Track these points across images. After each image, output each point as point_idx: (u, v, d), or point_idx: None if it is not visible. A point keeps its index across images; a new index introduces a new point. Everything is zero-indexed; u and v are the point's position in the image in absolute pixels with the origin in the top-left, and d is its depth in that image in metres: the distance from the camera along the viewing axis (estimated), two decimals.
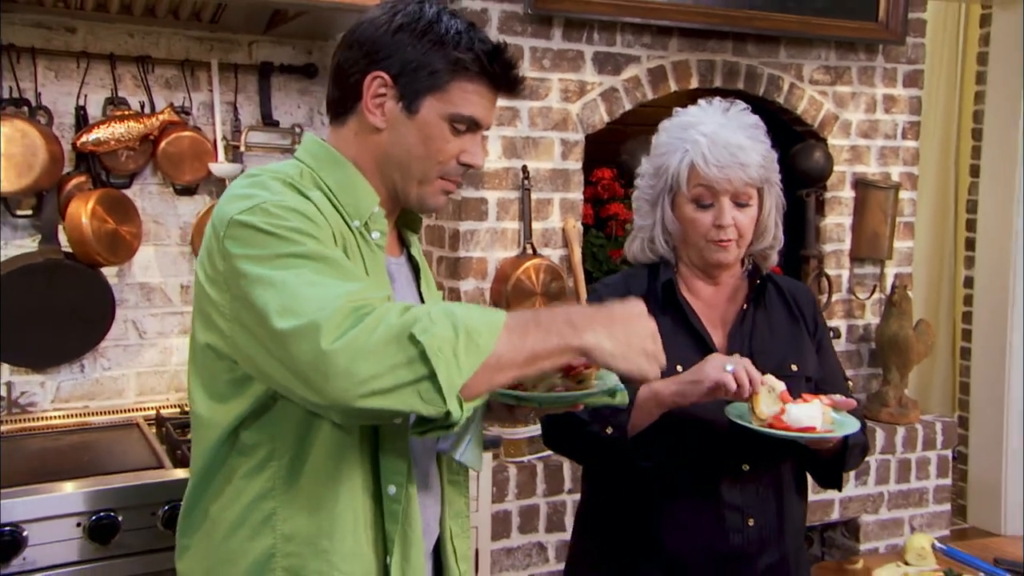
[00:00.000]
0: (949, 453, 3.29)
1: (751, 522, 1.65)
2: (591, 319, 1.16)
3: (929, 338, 3.18)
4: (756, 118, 1.72)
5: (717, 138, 1.65)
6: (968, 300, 4.44)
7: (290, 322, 1.05)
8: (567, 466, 2.66)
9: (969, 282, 4.42)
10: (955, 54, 4.75)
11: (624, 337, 1.16)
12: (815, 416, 1.48)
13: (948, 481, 3.30)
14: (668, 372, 1.48)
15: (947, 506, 3.32)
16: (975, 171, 4.39)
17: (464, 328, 1.06)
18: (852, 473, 3.08)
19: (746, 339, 1.70)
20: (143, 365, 2.77)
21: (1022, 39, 4.10)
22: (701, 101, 1.75)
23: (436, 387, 1.04)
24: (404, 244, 1.44)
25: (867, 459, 3.11)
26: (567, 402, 1.30)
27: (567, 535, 2.65)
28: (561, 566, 2.63)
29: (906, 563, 1.56)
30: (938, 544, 1.63)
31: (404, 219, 1.41)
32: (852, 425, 1.52)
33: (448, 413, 1.07)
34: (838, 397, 1.57)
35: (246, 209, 1.16)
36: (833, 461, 1.68)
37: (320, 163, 1.29)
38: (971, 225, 4.42)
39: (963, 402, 4.46)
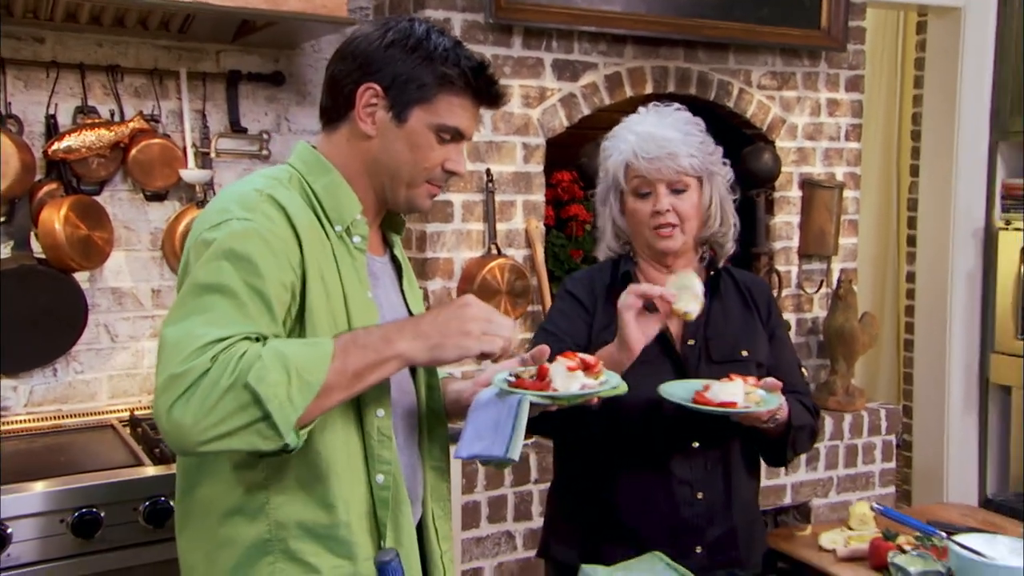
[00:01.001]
0: (893, 439, 3.45)
1: (700, 496, 1.77)
2: (402, 328, 1.28)
3: (873, 329, 3.34)
4: (691, 116, 1.86)
5: (647, 135, 1.80)
6: (910, 294, 4.63)
7: (163, 371, 1.18)
8: (533, 458, 2.76)
9: (911, 277, 4.61)
10: (894, 60, 4.95)
11: (434, 332, 1.27)
12: (736, 393, 1.60)
13: (892, 465, 3.47)
14: None
15: (892, 488, 3.48)
16: (915, 171, 4.58)
17: (295, 369, 1.18)
18: (803, 458, 3.22)
19: (701, 326, 1.82)
20: (115, 368, 2.81)
21: (956, 44, 4.29)
22: (640, 108, 1.89)
23: (272, 426, 1.17)
24: (388, 245, 1.53)
25: (817, 445, 3.26)
26: (586, 397, 1.44)
27: (534, 523, 2.76)
28: (529, 553, 2.74)
29: (850, 528, 1.68)
30: (876, 505, 1.76)
31: (388, 222, 1.51)
32: (774, 403, 1.63)
33: (286, 445, 1.19)
34: (769, 380, 1.68)
35: (215, 226, 1.27)
36: (778, 441, 1.79)
37: (309, 168, 1.39)
38: (912, 222, 4.61)
39: (907, 391, 4.64)
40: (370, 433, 1.35)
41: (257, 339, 1.21)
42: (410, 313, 1.52)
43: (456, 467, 2.53)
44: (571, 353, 1.47)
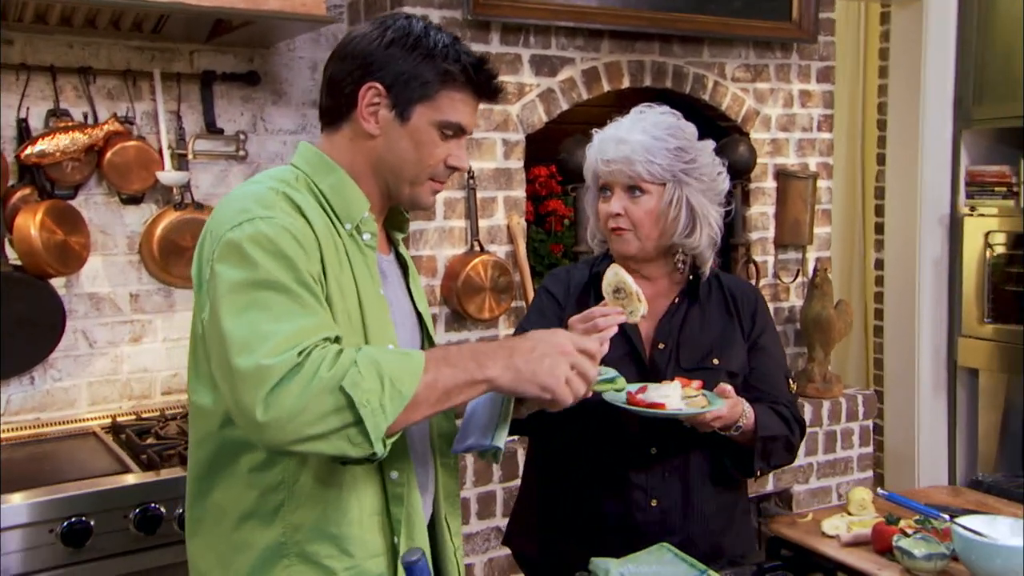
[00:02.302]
0: (870, 424, 3.51)
1: (654, 503, 1.76)
2: (495, 354, 1.27)
3: (848, 316, 3.39)
4: (674, 120, 1.83)
5: (609, 136, 1.81)
6: (879, 281, 4.70)
7: (245, 361, 1.16)
8: (521, 454, 2.77)
9: (880, 264, 4.68)
10: (857, 51, 5.02)
11: (526, 367, 1.27)
12: (669, 395, 1.58)
13: (870, 449, 3.53)
14: None
15: (870, 473, 3.54)
16: (881, 159, 4.65)
17: (389, 378, 1.18)
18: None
19: (674, 331, 1.81)
20: (94, 375, 2.78)
21: (919, 35, 4.36)
22: (634, 109, 1.88)
23: (363, 433, 1.16)
24: (392, 243, 1.53)
25: None
26: None
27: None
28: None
29: (849, 514, 1.71)
30: (880, 491, 1.79)
31: (391, 220, 1.51)
32: (718, 406, 1.61)
33: (373, 453, 1.19)
34: (724, 385, 1.67)
35: (237, 225, 1.25)
36: (745, 450, 1.75)
37: (314, 169, 1.39)
38: (880, 210, 4.68)
39: (877, 377, 4.72)
40: None
41: (336, 339, 1.22)
42: (416, 311, 1.52)
43: None
44: None
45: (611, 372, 1.50)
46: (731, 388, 1.66)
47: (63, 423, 2.67)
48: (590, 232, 1.94)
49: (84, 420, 2.70)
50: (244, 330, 1.18)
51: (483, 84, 1.41)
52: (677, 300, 1.86)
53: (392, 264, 1.51)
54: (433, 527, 1.50)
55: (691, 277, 1.88)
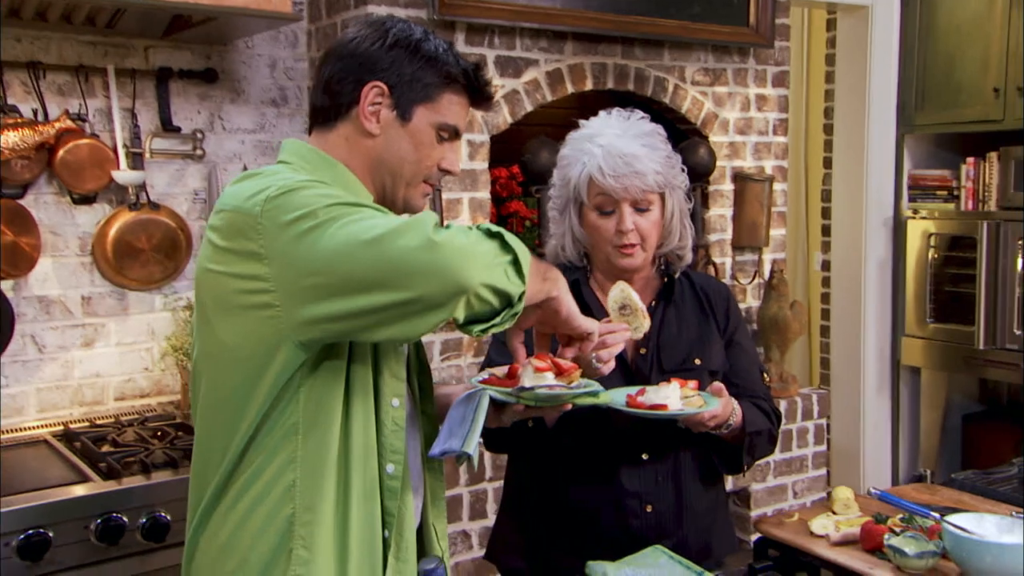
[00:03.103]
0: (824, 422, 3.57)
1: (649, 508, 1.75)
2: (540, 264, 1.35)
3: (803, 317, 3.45)
4: (654, 126, 1.82)
5: (612, 149, 1.74)
6: (826, 282, 4.80)
7: (383, 230, 1.15)
8: (487, 456, 2.75)
9: (826, 265, 4.78)
10: (801, 57, 5.12)
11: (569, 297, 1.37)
12: (669, 396, 1.59)
13: (824, 448, 3.59)
14: None
15: (824, 471, 3.61)
16: (828, 163, 4.75)
17: (513, 237, 1.25)
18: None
19: (653, 335, 1.80)
20: (43, 381, 2.68)
21: (865, 41, 4.46)
22: (602, 112, 1.84)
23: (517, 268, 1.22)
24: None
25: None
26: (558, 401, 1.40)
27: (489, 522, 2.76)
28: (484, 552, 2.73)
29: (834, 512, 1.73)
30: (874, 490, 1.82)
31: None
32: (714, 405, 1.63)
33: (521, 296, 1.23)
34: (714, 384, 1.67)
35: (280, 186, 1.23)
36: (735, 447, 1.77)
37: (312, 164, 1.36)
38: (826, 213, 4.78)
39: (824, 376, 4.82)
40: (384, 422, 1.34)
41: None
42: None
43: None
44: (544, 355, 1.44)
45: (594, 384, 1.48)
46: (723, 387, 1.67)
47: (11, 431, 2.57)
48: (556, 247, 1.88)
49: (32, 428, 2.60)
50: (363, 223, 1.17)
51: (480, 89, 1.42)
52: (653, 303, 1.85)
53: None
54: (420, 531, 1.48)
55: (665, 279, 1.88)
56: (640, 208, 1.76)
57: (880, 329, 4.64)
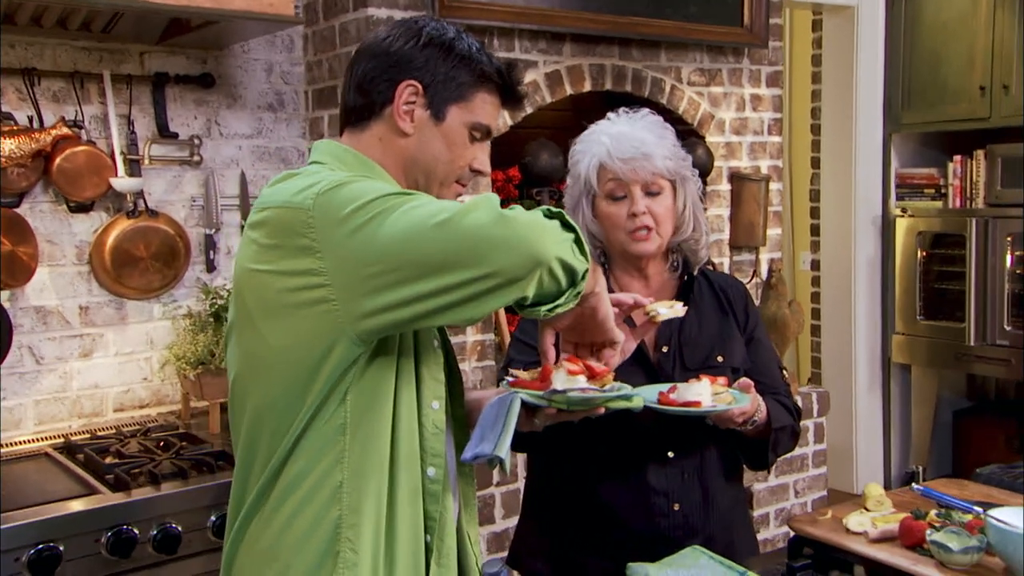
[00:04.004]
0: (823, 421, 3.58)
1: (676, 507, 1.74)
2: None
3: (801, 316, 3.46)
4: (662, 121, 1.83)
5: (621, 136, 1.77)
6: (815, 281, 4.83)
7: (448, 213, 1.15)
8: (520, 458, 2.73)
9: (816, 265, 4.81)
10: (786, 56, 5.15)
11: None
12: (701, 393, 1.58)
13: (824, 446, 3.60)
14: None
15: (824, 469, 3.62)
16: (816, 163, 4.78)
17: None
18: None
19: (675, 332, 1.79)
20: (41, 393, 2.63)
21: (851, 42, 4.50)
22: (610, 114, 1.86)
23: (580, 246, 1.23)
24: None
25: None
26: (591, 404, 1.38)
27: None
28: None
29: (867, 509, 1.73)
30: (916, 487, 1.82)
31: None
32: (745, 402, 1.63)
33: (584, 274, 1.23)
34: (742, 380, 1.67)
35: (328, 182, 1.21)
36: (759, 444, 1.77)
37: (348, 166, 1.34)
38: (815, 212, 4.81)
39: (816, 375, 4.84)
40: (425, 425, 1.33)
41: None
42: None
43: None
44: (576, 358, 1.42)
45: (626, 388, 1.45)
46: (752, 383, 1.66)
47: (9, 444, 2.52)
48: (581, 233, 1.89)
49: (33, 441, 2.55)
50: (424, 208, 1.17)
51: (512, 89, 1.41)
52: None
53: None
54: (457, 535, 1.46)
55: (685, 277, 1.88)
56: (651, 192, 1.77)
57: (870, 327, 4.68)
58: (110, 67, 2.66)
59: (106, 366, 2.72)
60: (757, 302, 3.50)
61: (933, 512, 1.62)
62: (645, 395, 1.58)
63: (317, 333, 1.21)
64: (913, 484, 1.83)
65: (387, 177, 1.36)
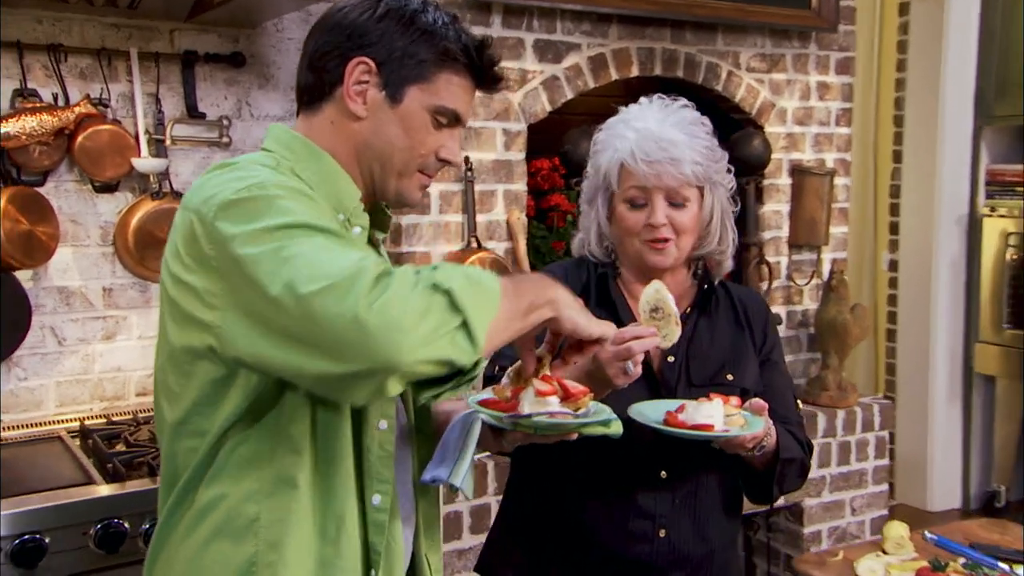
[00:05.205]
0: (886, 434, 3.34)
1: (662, 533, 1.58)
2: (544, 278, 1.20)
3: (865, 321, 3.22)
4: (698, 115, 1.65)
5: (648, 133, 1.59)
6: (893, 283, 4.54)
7: (318, 284, 0.98)
8: (491, 469, 2.60)
9: (894, 265, 4.52)
10: (872, 42, 4.84)
11: (572, 301, 1.19)
12: (714, 415, 1.43)
13: (886, 462, 3.36)
14: None
15: (885, 486, 3.37)
16: (897, 157, 4.48)
17: (474, 278, 1.06)
18: None
19: (683, 344, 1.62)
20: (63, 374, 2.60)
21: (940, 27, 4.19)
22: (643, 99, 1.69)
23: (468, 333, 1.03)
24: (372, 245, 1.35)
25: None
26: (564, 430, 1.24)
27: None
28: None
29: (884, 552, 1.54)
30: (928, 534, 1.62)
31: (373, 219, 1.33)
32: (758, 427, 1.46)
33: (476, 363, 1.06)
34: (755, 401, 1.50)
35: (241, 188, 1.08)
36: (764, 474, 1.60)
37: (296, 155, 1.22)
38: (895, 209, 4.52)
39: (889, 383, 4.56)
40: (369, 447, 1.19)
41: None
42: None
43: None
44: (549, 377, 1.28)
45: (605, 411, 1.30)
46: (766, 405, 1.49)
47: (28, 426, 2.50)
48: (583, 240, 1.73)
49: (51, 423, 2.53)
50: (299, 267, 1.00)
51: (484, 70, 1.25)
52: (688, 310, 1.68)
53: None
54: (412, 564, 1.33)
55: (704, 286, 1.70)
56: (675, 203, 1.60)
57: (951, 334, 4.38)
58: (139, 44, 2.61)
59: (129, 349, 2.68)
60: (815, 305, 3.27)
61: (960, 562, 1.42)
62: (648, 412, 1.43)
63: (203, 357, 1.10)
64: (926, 532, 1.62)
65: (335, 170, 1.22)
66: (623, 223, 1.63)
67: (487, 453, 2.53)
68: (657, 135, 1.58)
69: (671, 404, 1.49)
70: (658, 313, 1.48)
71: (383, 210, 1.33)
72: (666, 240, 1.60)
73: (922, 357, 4.39)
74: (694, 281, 1.71)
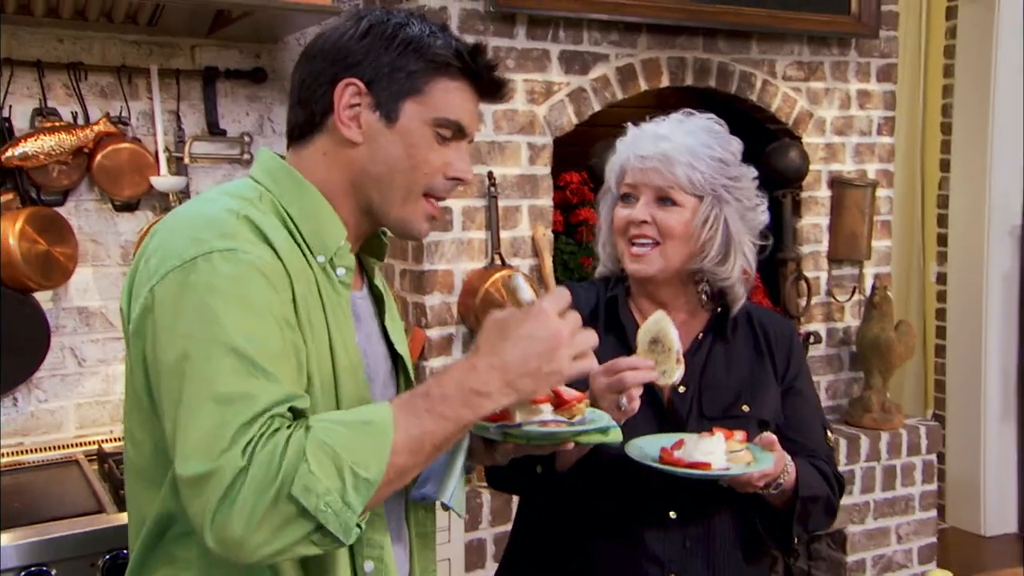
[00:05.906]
0: (934, 458, 3.19)
1: None
2: (484, 381, 1.03)
3: (910, 339, 3.08)
4: (720, 129, 1.56)
5: (647, 132, 1.54)
6: (941, 297, 4.38)
7: (189, 468, 0.97)
8: (486, 500, 2.51)
9: (942, 278, 4.37)
10: (918, 47, 4.69)
11: (525, 383, 1.04)
12: (713, 452, 1.33)
13: (934, 487, 3.21)
14: None
15: (933, 513, 3.22)
16: (945, 166, 4.33)
17: (349, 467, 0.97)
18: None
19: (696, 372, 1.53)
20: (83, 396, 2.57)
21: (990, 30, 4.04)
22: (675, 114, 1.61)
23: (326, 535, 0.98)
24: (365, 274, 1.28)
25: (852, 467, 3.00)
26: (557, 439, 1.17)
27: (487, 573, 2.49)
28: None
29: None
30: None
31: (368, 246, 1.26)
32: (766, 463, 1.36)
33: (343, 544, 1.01)
34: (765, 435, 1.40)
35: (190, 261, 1.02)
36: (783, 513, 1.48)
37: (281, 187, 1.15)
38: (942, 221, 4.36)
39: (939, 400, 4.39)
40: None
41: (291, 410, 1.00)
42: (392, 356, 1.27)
43: None
44: None
45: (603, 418, 1.22)
46: (776, 438, 1.39)
47: (48, 448, 2.47)
48: (602, 243, 1.66)
49: (70, 446, 2.50)
50: (187, 416, 0.98)
51: (481, 73, 1.16)
52: (701, 336, 1.58)
53: (366, 301, 1.26)
54: None
55: (719, 310, 1.60)
56: (665, 203, 1.50)
57: (1005, 350, 4.21)
58: (159, 61, 2.58)
59: None
60: (857, 322, 3.14)
61: None
62: (645, 448, 1.35)
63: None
64: None
65: (320, 204, 1.15)
66: (613, 222, 1.57)
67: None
68: (654, 133, 1.53)
69: (667, 439, 1.40)
70: (658, 346, 1.39)
71: (378, 235, 1.26)
72: (648, 240, 1.51)
73: (973, 373, 4.22)
74: (706, 302, 1.61)
